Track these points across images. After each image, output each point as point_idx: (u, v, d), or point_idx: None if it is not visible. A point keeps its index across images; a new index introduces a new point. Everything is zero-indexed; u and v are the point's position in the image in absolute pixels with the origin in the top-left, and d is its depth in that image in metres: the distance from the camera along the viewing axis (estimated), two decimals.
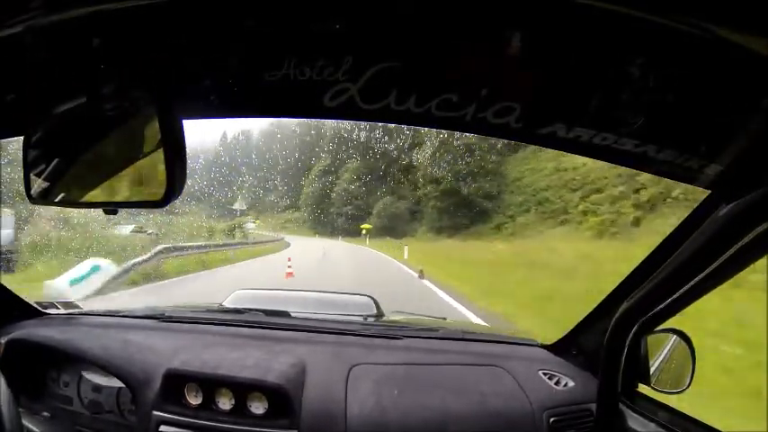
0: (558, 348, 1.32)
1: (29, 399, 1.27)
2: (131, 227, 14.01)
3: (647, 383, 1.00)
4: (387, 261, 16.78)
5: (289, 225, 55.44)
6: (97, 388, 1.25)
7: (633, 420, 0.94)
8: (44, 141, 0.73)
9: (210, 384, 1.04)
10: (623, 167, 0.76)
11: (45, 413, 1.26)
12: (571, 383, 1.15)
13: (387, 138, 38.74)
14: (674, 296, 0.79)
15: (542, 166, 23.40)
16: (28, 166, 0.73)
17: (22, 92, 0.71)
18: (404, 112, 0.67)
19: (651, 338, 1.00)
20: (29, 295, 1.48)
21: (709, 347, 4.10)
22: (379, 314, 1.82)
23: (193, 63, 0.65)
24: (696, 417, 0.88)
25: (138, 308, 1.62)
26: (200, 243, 13.68)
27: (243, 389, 1.03)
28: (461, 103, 0.64)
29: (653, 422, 0.90)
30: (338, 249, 23.02)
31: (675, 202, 13.25)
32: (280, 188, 61.15)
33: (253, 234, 30.44)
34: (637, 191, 15.57)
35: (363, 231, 36.37)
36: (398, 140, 38.03)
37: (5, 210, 8.56)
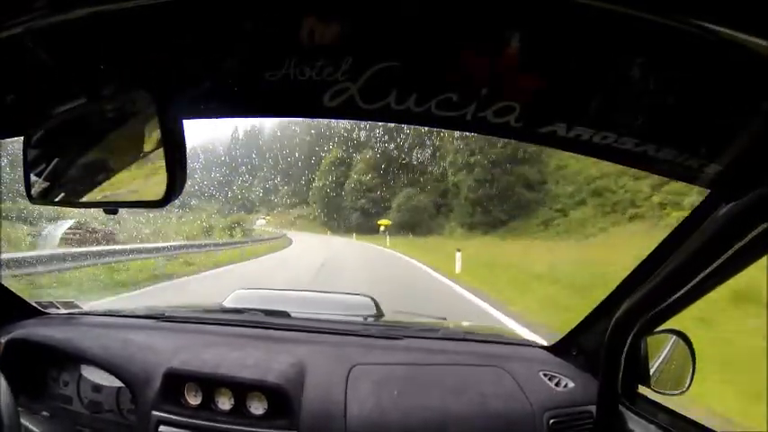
0: (558, 349, 1.32)
1: (28, 398, 1.27)
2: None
3: (648, 385, 1.00)
4: (427, 277, 10.42)
5: (299, 221, 53.13)
6: (97, 387, 1.25)
7: (633, 422, 0.93)
8: (44, 141, 0.73)
9: (210, 384, 1.04)
10: None
11: (45, 413, 1.26)
12: (571, 384, 1.15)
13: None
14: (675, 296, 0.79)
15: None
16: (28, 166, 0.73)
17: (22, 92, 0.71)
18: (404, 112, 0.67)
19: (651, 339, 1.00)
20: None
21: None
22: (380, 314, 1.82)
23: (193, 63, 0.65)
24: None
25: (138, 307, 1.62)
26: (173, 243, 11.13)
27: (242, 389, 1.03)
28: (461, 102, 0.64)
29: (653, 424, 0.90)
30: (349, 252, 17.91)
31: None
32: (291, 183, 58.44)
33: (257, 231, 28.88)
34: None
35: (381, 228, 32.63)
36: None
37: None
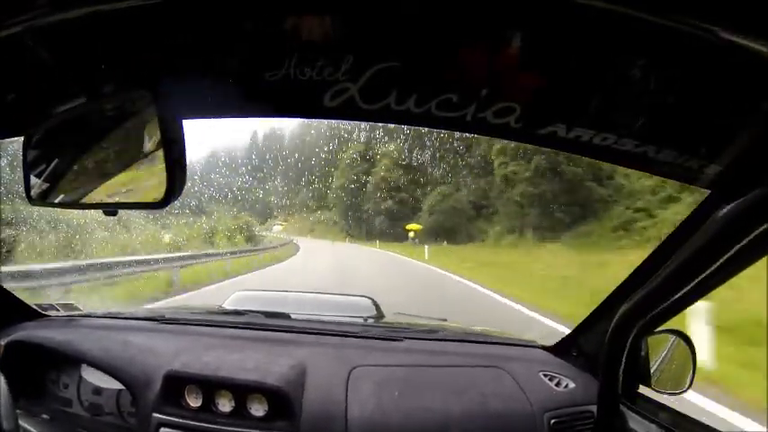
0: (558, 350, 1.32)
1: (28, 401, 1.27)
2: None
3: (648, 384, 1.00)
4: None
5: (317, 227, 49.52)
6: (97, 390, 1.25)
7: (634, 422, 0.93)
8: (44, 141, 0.73)
9: (210, 386, 1.04)
10: None
11: (45, 415, 1.26)
12: (572, 385, 1.15)
13: None
14: (675, 297, 0.79)
15: None
16: (28, 167, 0.73)
17: (22, 92, 0.71)
18: (404, 112, 0.67)
19: (651, 339, 1.00)
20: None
21: None
22: (380, 316, 1.82)
23: (193, 63, 0.65)
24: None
25: (138, 310, 1.62)
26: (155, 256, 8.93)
27: (243, 391, 1.03)
28: (461, 103, 0.64)
29: (654, 423, 0.90)
30: (374, 272, 11.96)
31: None
32: (311, 186, 53.66)
33: (268, 237, 26.82)
34: None
35: (410, 234, 28.37)
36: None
37: None
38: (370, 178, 39.00)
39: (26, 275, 5.38)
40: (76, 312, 1.57)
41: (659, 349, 1.02)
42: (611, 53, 0.54)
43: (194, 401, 1.04)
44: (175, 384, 1.05)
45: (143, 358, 1.15)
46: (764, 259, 0.64)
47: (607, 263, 10.84)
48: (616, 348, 0.94)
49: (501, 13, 0.51)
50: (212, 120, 0.81)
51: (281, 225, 49.42)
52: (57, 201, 0.74)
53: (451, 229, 27.21)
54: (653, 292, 0.84)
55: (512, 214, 22.07)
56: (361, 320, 1.66)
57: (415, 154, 34.60)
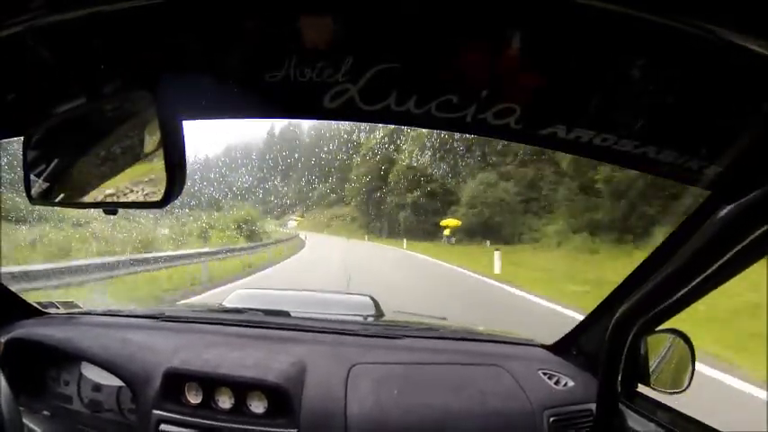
0: (557, 348, 1.32)
1: (29, 397, 1.27)
2: None
3: (647, 384, 1.00)
4: None
5: (334, 223, 45.63)
6: (97, 387, 1.25)
7: (633, 420, 0.94)
8: (44, 141, 0.73)
9: (210, 383, 1.04)
10: None
11: (45, 412, 1.26)
12: (571, 383, 1.15)
13: None
14: (675, 297, 0.79)
15: None
16: (28, 167, 0.73)
17: (22, 92, 0.71)
18: (404, 113, 0.67)
19: (651, 339, 1.00)
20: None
21: None
22: (379, 314, 1.83)
23: (194, 63, 0.65)
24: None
25: (138, 307, 1.62)
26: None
27: (243, 388, 1.03)
28: (461, 104, 0.64)
29: (652, 422, 0.90)
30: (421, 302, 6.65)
31: None
32: (328, 179, 49.54)
33: (276, 232, 25.09)
34: None
35: (446, 232, 23.52)
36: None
37: None
38: (395, 166, 33.03)
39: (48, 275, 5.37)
40: (76, 310, 1.58)
41: (658, 348, 1.02)
42: (611, 53, 0.54)
43: (194, 398, 1.04)
44: (175, 381, 1.05)
45: (143, 355, 1.16)
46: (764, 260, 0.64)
47: None
48: (616, 347, 0.94)
49: (501, 14, 0.51)
50: (212, 120, 0.81)
51: (296, 221, 46.73)
52: (57, 200, 0.74)
53: (495, 227, 21.25)
54: (653, 292, 0.84)
55: (578, 209, 15.84)
56: (360, 318, 1.67)
57: (446, 135, 24.55)
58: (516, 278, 10.00)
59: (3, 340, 1.25)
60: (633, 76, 0.55)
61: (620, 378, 0.95)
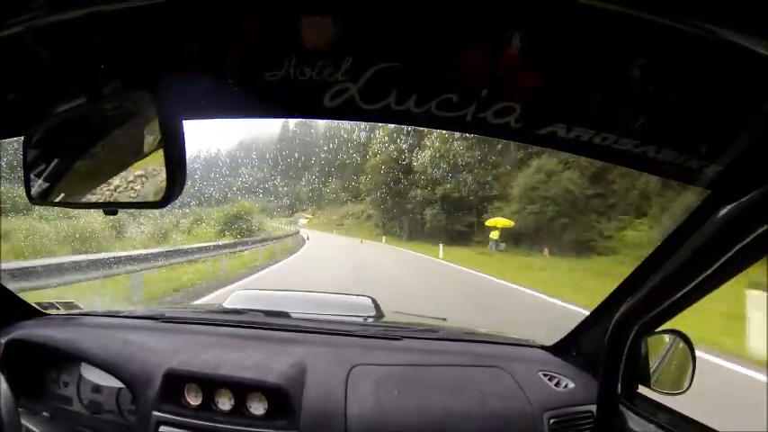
0: (557, 349, 1.32)
1: (29, 399, 1.27)
2: None
3: (647, 385, 1.00)
4: None
5: (347, 221, 40.80)
6: (97, 388, 1.25)
7: (633, 422, 0.93)
8: (44, 141, 0.73)
9: (210, 384, 1.04)
10: None
11: (45, 413, 1.26)
12: (571, 385, 1.15)
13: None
14: (675, 297, 0.79)
15: None
16: (28, 167, 0.73)
17: (22, 92, 0.71)
18: (404, 112, 0.67)
19: (651, 340, 1.00)
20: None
21: None
22: (379, 315, 1.82)
23: (194, 63, 0.65)
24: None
25: (138, 308, 1.62)
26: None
27: (242, 389, 1.03)
28: (461, 103, 0.64)
29: (653, 423, 0.90)
30: None
31: None
32: (343, 175, 45.53)
33: (278, 230, 22.36)
34: None
35: (494, 235, 17.80)
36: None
37: None
38: (421, 153, 26.99)
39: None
40: (76, 311, 1.58)
41: (659, 349, 1.02)
42: (611, 53, 0.54)
43: (194, 400, 1.04)
44: (175, 382, 1.05)
45: (143, 356, 1.15)
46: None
47: None
48: (616, 348, 0.94)
49: (501, 14, 0.51)
50: (212, 120, 0.81)
51: (307, 218, 44.48)
52: (57, 200, 0.75)
53: (555, 230, 15.82)
54: (653, 292, 0.84)
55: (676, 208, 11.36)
56: (360, 320, 1.67)
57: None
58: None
59: (2, 341, 1.24)
60: (633, 75, 0.55)
61: (620, 379, 0.95)
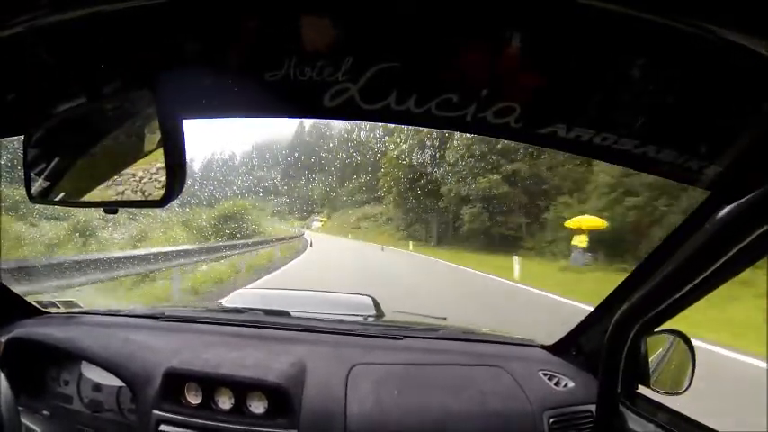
0: (557, 349, 1.32)
1: (29, 397, 1.27)
2: None
3: (647, 384, 1.00)
4: None
5: (364, 224, 36.69)
6: (97, 387, 1.25)
7: (633, 421, 0.94)
8: (44, 141, 0.73)
9: (210, 383, 1.04)
10: None
11: (45, 412, 1.26)
12: (571, 384, 1.15)
13: None
14: (675, 297, 0.79)
15: None
16: (28, 166, 0.73)
17: (22, 91, 0.71)
18: (404, 112, 0.67)
19: (651, 339, 1.00)
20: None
21: None
22: (380, 314, 1.82)
23: (194, 63, 0.65)
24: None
25: (139, 307, 1.62)
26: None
27: (243, 388, 1.03)
28: (461, 103, 0.64)
29: (652, 423, 0.90)
30: None
31: None
32: (361, 176, 40.93)
33: (279, 231, 19.95)
34: None
35: (579, 241, 12.52)
36: None
37: None
38: (452, 141, 21.42)
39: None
40: (76, 309, 1.58)
41: (659, 349, 1.02)
42: (611, 53, 0.54)
43: (194, 398, 1.04)
44: (175, 381, 1.05)
45: (143, 355, 1.15)
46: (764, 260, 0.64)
47: None
48: (615, 348, 0.94)
49: (501, 13, 0.51)
50: (212, 119, 0.81)
51: (321, 221, 42.79)
52: (57, 199, 0.75)
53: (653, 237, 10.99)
54: (653, 292, 0.84)
55: None
56: (360, 319, 1.67)
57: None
58: None
59: (3, 340, 1.25)
60: (633, 75, 0.55)
61: (620, 379, 0.95)
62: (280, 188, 46.09)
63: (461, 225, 21.61)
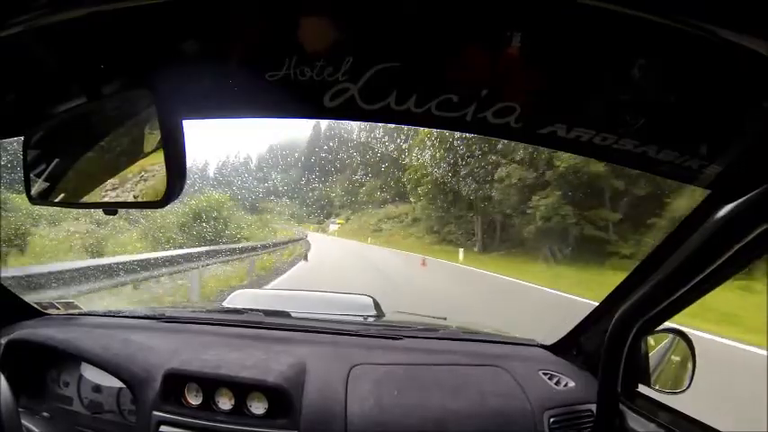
0: (558, 348, 1.32)
1: (29, 399, 1.27)
2: None
3: (648, 384, 1.00)
4: None
5: (386, 226, 31.31)
6: (97, 388, 1.25)
7: (633, 421, 0.94)
8: (44, 141, 0.73)
9: (210, 384, 1.04)
10: None
11: (45, 413, 1.26)
12: (571, 383, 1.15)
13: None
14: (675, 296, 0.79)
15: None
16: (28, 166, 0.73)
17: (21, 92, 0.71)
18: (404, 112, 0.67)
19: (651, 339, 1.00)
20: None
21: None
22: (380, 314, 1.82)
23: (194, 63, 0.65)
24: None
25: (139, 308, 1.62)
26: None
27: (243, 389, 1.03)
28: (461, 103, 0.64)
29: (653, 422, 0.90)
30: None
31: None
32: (381, 175, 37.32)
33: (273, 232, 17.84)
34: None
35: None
36: None
37: None
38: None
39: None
40: (76, 311, 1.58)
41: (659, 348, 1.03)
42: (610, 53, 0.54)
43: (194, 399, 1.04)
44: (175, 382, 1.05)
45: (143, 356, 1.15)
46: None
47: None
48: (616, 347, 0.94)
49: (501, 14, 0.51)
50: (212, 119, 0.81)
51: (338, 224, 41.11)
52: (56, 200, 0.75)
53: None
54: (653, 292, 0.84)
55: None
56: (360, 319, 1.66)
57: None
58: None
59: (3, 341, 1.24)
60: (633, 75, 0.55)
61: (620, 378, 0.95)
62: (294, 191, 44.80)
63: (520, 223, 15.27)
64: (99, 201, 0.71)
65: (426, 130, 19.38)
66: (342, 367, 1.12)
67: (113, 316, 1.47)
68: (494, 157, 17.50)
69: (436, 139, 20.14)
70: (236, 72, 0.66)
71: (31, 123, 0.72)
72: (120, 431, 1.21)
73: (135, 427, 1.11)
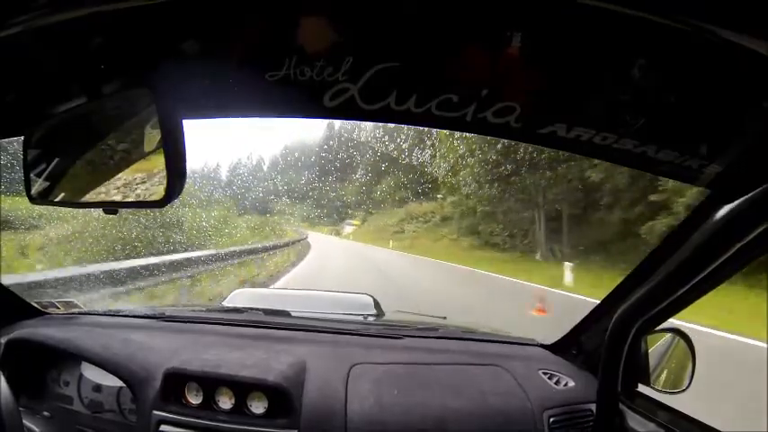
0: (557, 348, 1.32)
1: (29, 398, 1.27)
2: None
3: (647, 383, 1.00)
4: None
5: (409, 227, 26.88)
6: (97, 387, 1.25)
7: (633, 420, 0.94)
8: (44, 141, 0.73)
9: (211, 384, 1.04)
10: None
11: (45, 412, 1.26)
12: (571, 383, 1.15)
13: None
14: (674, 296, 0.80)
15: None
16: (28, 166, 0.73)
17: (22, 91, 0.71)
18: (404, 112, 0.67)
19: (651, 338, 1.00)
20: None
21: None
22: (380, 313, 1.82)
23: (194, 63, 0.65)
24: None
25: (139, 307, 1.62)
26: None
27: (243, 388, 1.03)
28: (461, 103, 0.64)
29: (653, 422, 0.90)
30: None
31: None
32: (398, 172, 33.87)
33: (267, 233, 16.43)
34: None
35: None
36: None
37: None
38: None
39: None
40: (76, 310, 1.58)
41: (659, 348, 1.03)
42: (610, 53, 0.54)
43: (194, 399, 1.04)
44: (175, 382, 1.05)
45: (143, 355, 1.15)
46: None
47: None
48: (615, 347, 0.94)
49: (501, 14, 0.51)
50: (212, 119, 0.81)
51: (354, 225, 39.80)
52: (57, 199, 0.75)
53: None
54: (652, 291, 0.84)
55: None
56: (361, 318, 1.67)
57: None
58: None
59: (3, 340, 1.24)
60: (633, 75, 0.55)
61: (620, 377, 0.95)
62: (309, 193, 43.44)
63: (603, 219, 11.36)
64: (99, 200, 0.71)
65: None
66: (342, 366, 1.13)
67: (113, 315, 1.47)
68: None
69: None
70: (236, 72, 0.66)
71: (32, 123, 0.72)
72: (120, 430, 1.21)
73: (135, 427, 1.11)
